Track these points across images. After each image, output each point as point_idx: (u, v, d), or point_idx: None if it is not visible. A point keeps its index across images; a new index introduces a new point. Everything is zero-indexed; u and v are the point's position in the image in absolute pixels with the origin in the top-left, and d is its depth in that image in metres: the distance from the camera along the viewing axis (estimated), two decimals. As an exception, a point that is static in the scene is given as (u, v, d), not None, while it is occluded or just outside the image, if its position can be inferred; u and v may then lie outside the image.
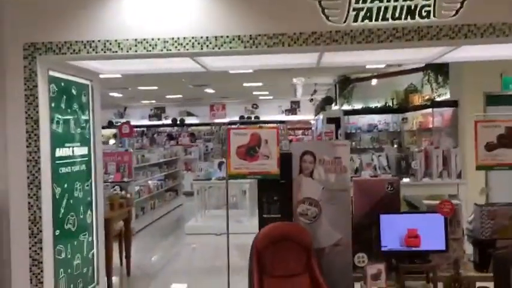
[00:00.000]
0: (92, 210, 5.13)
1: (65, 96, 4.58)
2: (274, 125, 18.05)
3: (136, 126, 18.83)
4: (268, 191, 5.37)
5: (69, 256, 4.59)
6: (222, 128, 19.84)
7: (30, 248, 4.09)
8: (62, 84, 4.55)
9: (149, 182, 10.44)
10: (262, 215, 6.55)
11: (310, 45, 3.87)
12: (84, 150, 5.02)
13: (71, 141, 4.72)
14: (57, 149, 4.44)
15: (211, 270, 6.85)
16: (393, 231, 3.82)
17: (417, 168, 5.82)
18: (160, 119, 19.57)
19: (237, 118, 19.34)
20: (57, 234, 4.37)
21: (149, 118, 19.66)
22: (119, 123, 10.82)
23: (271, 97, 18.22)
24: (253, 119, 19.25)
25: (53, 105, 4.35)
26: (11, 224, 4.05)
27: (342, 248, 4.05)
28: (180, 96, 16.60)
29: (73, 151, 4.75)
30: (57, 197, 4.39)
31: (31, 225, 4.09)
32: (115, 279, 6.09)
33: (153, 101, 18.57)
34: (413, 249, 3.76)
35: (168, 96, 16.45)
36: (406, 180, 5.77)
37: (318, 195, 4.12)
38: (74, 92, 4.79)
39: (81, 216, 4.89)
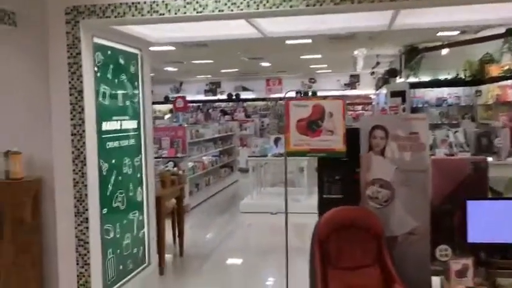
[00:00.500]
0: (142, 188, 4.85)
1: (111, 66, 4.26)
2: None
3: (192, 102, 18.72)
4: (329, 169, 4.94)
5: (118, 236, 4.34)
6: (278, 103, 19.35)
7: (76, 228, 3.84)
8: (109, 52, 4.23)
9: (204, 157, 10.19)
10: (322, 195, 6.08)
11: (385, 1, 3.29)
12: (133, 124, 4.71)
13: (119, 114, 4.42)
14: (104, 123, 4.14)
15: (266, 250, 6.50)
16: (482, 220, 3.23)
17: (501, 146, 5.12)
18: (215, 94, 19.35)
19: (293, 93, 18.75)
20: (104, 212, 4.11)
21: (205, 93, 19.49)
22: (174, 99, 10.61)
23: (329, 71, 17.47)
24: (310, 94, 18.59)
25: (98, 75, 4.04)
26: (56, 202, 3.81)
27: (417, 237, 3.52)
28: (236, 70, 16.22)
29: (121, 125, 4.45)
30: (104, 173, 4.12)
31: (76, 203, 3.83)
32: (168, 258, 5.86)
33: (209, 76, 18.33)
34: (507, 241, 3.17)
35: (223, 71, 16.13)
36: (489, 159, 5.09)
37: (391, 176, 3.59)
38: (121, 61, 4.46)
39: (131, 194, 4.62)
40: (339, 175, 6.27)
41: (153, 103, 19.53)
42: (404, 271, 3.39)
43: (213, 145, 10.52)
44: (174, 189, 5.57)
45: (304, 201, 8.44)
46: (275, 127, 9.86)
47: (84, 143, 3.82)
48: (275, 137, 8.88)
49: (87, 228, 3.84)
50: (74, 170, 3.84)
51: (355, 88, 18.41)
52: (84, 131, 3.81)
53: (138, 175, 4.80)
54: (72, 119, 3.81)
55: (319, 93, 18.58)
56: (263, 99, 19.22)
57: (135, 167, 4.72)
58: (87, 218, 3.84)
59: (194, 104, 18.67)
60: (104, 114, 4.13)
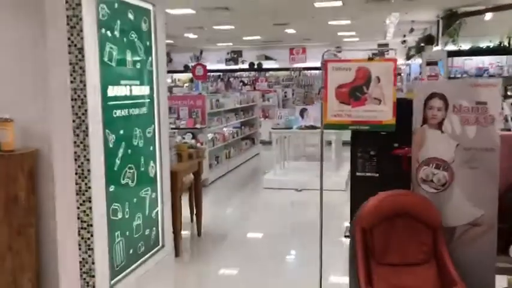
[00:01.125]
0: (155, 162, 4.33)
1: (119, 22, 3.68)
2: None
3: (212, 71, 18.09)
4: (363, 143, 4.36)
5: (127, 216, 3.84)
6: (302, 73, 18.58)
7: (78, 208, 3.35)
8: (116, 5, 3.64)
9: (224, 129, 9.63)
10: (355, 173, 5.52)
11: None
12: (145, 90, 4.16)
13: (128, 78, 3.87)
14: (110, 87, 3.59)
15: (292, 229, 5.98)
16: None
17: None
18: (237, 63, 18.65)
19: (317, 62, 17.93)
20: (111, 190, 3.60)
21: (225, 62, 18.80)
22: (193, 66, 10.01)
23: (357, 39, 16.57)
24: (335, 63, 17.73)
25: (103, 31, 3.46)
26: (54, 179, 3.30)
27: (481, 229, 2.92)
28: (259, 37, 15.45)
29: (131, 90, 3.90)
30: (110, 145, 3.59)
31: (78, 179, 3.33)
32: (184, 238, 5.39)
33: (230, 44, 17.60)
34: None
35: (245, 38, 15.37)
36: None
37: (450, 155, 2.97)
38: (131, 17, 3.88)
39: (142, 169, 4.10)
40: (374, 150, 5.63)
41: (172, 72, 18.94)
42: (462, 269, 2.81)
43: (234, 116, 9.94)
44: (191, 164, 5.03)
45: (331, 177, 7.85)
46: (301, 97, 9.18)
47: (86, 110, 3.29)
48: (301, 107, 8.25)
49: (90, 208, 3.34)
50: (75, 142, 3.32)
51: (383, 57, 17.46)
52: (85, 96, 3.27)
53: (151, 148, 4.27)
54: (72, 82, 3.27)
55: (345, 63, 17.72)
56: (286, 69, 18.46)
57: (147, 139, 4.19)
58: (90, 197, 3.33)
59: (214, 74, 18.04)
60: (110, 77, 3.58)
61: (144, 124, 4.13)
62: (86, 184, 3.32)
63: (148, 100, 4.22)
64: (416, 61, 13.21)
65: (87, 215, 3.34)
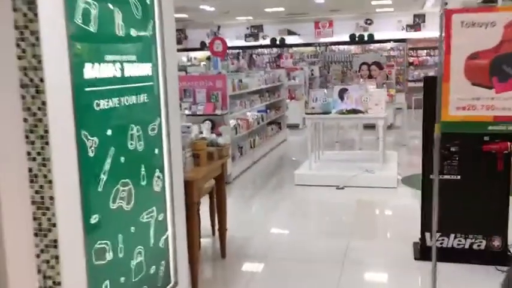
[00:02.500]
0: (162, 170, 3.10)
1: (100, -37, 2.40)
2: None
3: (231, 48, 16.75)
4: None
5: (121, 255, 2.63)
6: (329, 48, 17.10)
7: (37, 257, 2.14)
8: None
9: (248, 113, 8.36)
10: (429, 175, 4.31)
11: None
12: (144, 70, 2.91)
13: (117, 52, 2.61)
14: (88, 65, 2.34)
15: (346, 249, 4.73)
16: None
17: None
18: (257, 39, 17.27)
19: (346, 37, 16.45)
20: (93, 222, 2.38)
21: (245, 38, 17.43)
22: (211, 41, 8.68)
23: (391, 9, 14.99)
24: (366, 37, 16.22)
25: (71, -24, 2.19)
26: (1, 215, 2.09)
27: None
28: (281, 9, 14.02)
29: (122, 69, 2.65)
30: (90, 154, 2.35)
31: (37, 212, 2.11)
32: (204, 259, 4.20)
33: (250, 18, 16.20)
34: None
35: (267, 10, 13.96)
36: None
37: None
38: (120, -42, 2.59)
39: (143, 183, 2.87)
40: (456, 145, 4.36)
41: (188, 50, 17.59)
42: None
43: (258, 98, 8.64)
44: (212, 167, 3.79)
45: (378, 171, 6.55)
46: (338, 75, 7.81)
47: (44, 102, 2.04)
48: (340, 87, 6.90)
49: (56, 258, 2.12)
50: (29, 154, 2.09)
51: (419, 30, 15.87)
52: (42, 80, 2.02)
53: (156, 150, 3.03)
54: (20, 57, 2.02)
55: (377, 37, 16.20)
56: (311, 45, 17.02)
57: (150, 139, 2.95)
58: (55, 240, 2.11)
59: (233, 51, 16.69)
60: (87, 50, 2.32)
61: (144, 118, 2.88)
62: (48, 220, 2.10)
63: (151, 83, 2.96)
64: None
65: (52, 267, 2.13)
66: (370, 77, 7.47)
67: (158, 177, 3.05)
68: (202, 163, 3.71)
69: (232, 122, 7.35)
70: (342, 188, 6.39)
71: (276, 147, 9.70)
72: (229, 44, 17.05)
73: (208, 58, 12.82)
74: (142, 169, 2.87)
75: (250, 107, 8.08)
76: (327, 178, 6.57)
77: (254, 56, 13.20)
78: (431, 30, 15.62)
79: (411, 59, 15.91)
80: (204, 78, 6.83)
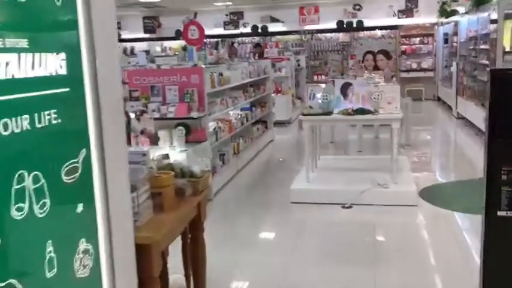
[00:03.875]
0: (93, 239, 1.81)
1: None
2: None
3: (209, 36, 15.35)
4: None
5: None
6: (315, 36, 15.85)
7: None
8: None
9: (230, 112, 7.08)
10: (495, 211, 2.99)
11: None
12: (52, 65, 1.58)
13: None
14: None
15: (348, 280, 3.52)
16: None
17: None
18: (237, 27, 15.91)
19: (333, 23, 15.21)
20: None
21: (224, 26, 16.05)
22: (185, 26, 7.29)
23: (382, -7, 13.80)
24: (354, 24, 15.01)
25: None
26: None
27: None
28: (264, -6, 12.70)
29: (6, 66, 1.32)
30: None
31: None
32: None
33: (229, 3, 14.83)
34: None
35: (248, -5, 12.63)
36: None
37: None
38: None
39: (51, 273, 1.58)
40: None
41: (162, 39, 16.12)
42: None
43: (242, 94, 7.35)
44: (184, 210, 2.50)
45: (393, 184, 5.35)
46: (337, 67, 6.56)
47: None
48: (343, 82, 5.66)
49: None
50: None
51: (411, 16, 14.72)
52: None
53: (79, 209, 1.74)
54: None
55: (366, 23, 15.00)
56: (296, 32, 15.74)
57: (65, 192, 1.65)
58: None
59: (212, 40, 15.30)
60: None
61: (51, 155, 1.59)
62: None
63: (64, 90, 1.66)
64: (466, 18, 10.51)
65: None
66: (375, 68, 6.28)
67: (85, 252, 1.76)
68: (167, 206, 2.42)
69: (211, 125, 6.06)
70: (349, 207, 5.17)
71: (263, 150, 8.43)
72: (207, 33, 15.70)
73: (185, 48, 11.43)
74: (50, 249, 1.58)
75: (233, 106, 6.79)
76: (329, 194, 5.34)
77: (235, 44, 11.91)
78: (425, 16, 14.48)
79: (403, 48, 14.78)
80: (176, 73, 5.50)
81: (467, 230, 4.53)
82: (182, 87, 5.40)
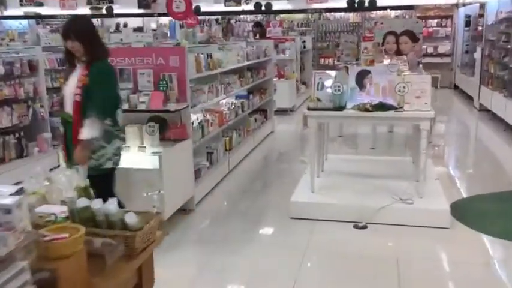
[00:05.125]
0: None
1: None
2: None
3: (207, 13, 14.17)
4: None
5: None
6: (323, 16, 14.62)
7: None
8: None
9: (223, 101, 5.99)
10: None
11: None
12: None
13: None
14: None
15: None
16: None
17: None
18: (239, 4, 14.69)
19: (343, 2, 13.97)
20: None
21: (225, 3, 14.83)
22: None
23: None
24: (366, 3, 13.76)
25: None
26: None
27: None
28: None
29: None
30: None
31: None
32: None
33: (230, -23, 13.61)
34: None
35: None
36: None
37: None
38: None
39: None
40: None
41: (159, 15, 14.88)
42: None
43: (237, 80, 6.25)
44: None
45: (417, 199, 4.28)
46: (350, 51, 5.40)
47: None
48: (359, 69, 4.57)
49: None
50: None
51: (430, -5, 13.46)
52: None
53: None
54: None
55: (379, 2, 13.75)
56: (303, 11, 14.52)
57: None
58: None
59: (212, 17, 14.10)
60: None
61: None
62: None
63: None
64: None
65: None
66: (398, 53, 5.17)
67: None
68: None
69: (196, 118, 4.99)
70: (364, 227, 4.12)
71: (261, 144, 7.36)
72: (206, 9, 14.50)
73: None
74: None
75: (225, 93, 5.70)
76: (338, 209, 4.29)
77: (233, 21, 10.72)
78: (444, -4, 13.24)
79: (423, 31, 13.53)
80: (151, 53, 4.39)
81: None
82: (158, 72, 4.31)
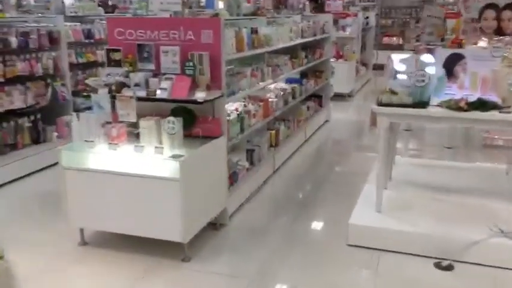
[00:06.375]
0: None
1: None
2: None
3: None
4: None
5: None
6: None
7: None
8: None
9: (270, 87, 5.00)
10: None
11: None
12: None
13: None
14: None
15: None
16: None
17: None
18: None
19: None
20: None
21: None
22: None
23: None
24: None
25: None
26: None
27: None
28: None
29: None
30: None
31: None
32: None
33: None
34: None
35: None
36: None
37: None
38: None
39: None
40: None
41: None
42: None
43: (288, 61, 5.21)
44: None
45: (525, 234, 3.15)
46: (437, 27, 4.29)
47: None
48: (450, 52, 3.44)
49: None
50: None
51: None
52: None
53: None
54: None
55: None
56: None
57: None
58: None
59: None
60: None
61: None
62: None
63: None
64: None
65: None
66: (499, 31, 3.97)
67: None
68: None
69: (235, 107, 4.04)
70: (449, 267, 3.06)
71: (313, 136, 6.33)
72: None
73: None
74: None
75: (272, 78, 4.69)
76: (413, 239, 3.23)
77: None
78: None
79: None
80: (178, 25, 3.44)
81: None
82: (186, 50, 3.36)
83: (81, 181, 3.18)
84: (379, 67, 12.33)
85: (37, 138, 5.02)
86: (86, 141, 3.18)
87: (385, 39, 12.66)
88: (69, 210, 3.25)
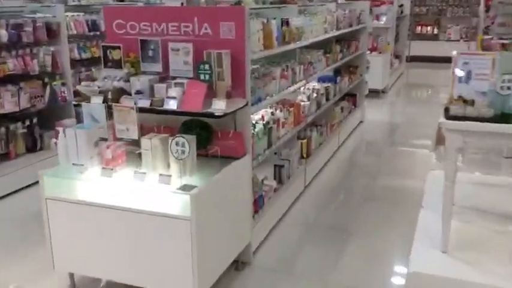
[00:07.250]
0: None
1: None
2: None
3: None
4: None
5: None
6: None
7: None
8: None
9: (303, 89, 4.26)
10: None
11: None
12: None
13: None
14: None
15: None
16: None
17: None
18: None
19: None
20: None
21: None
22: None
23: None
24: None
25: None
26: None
27: None
28: None
29: None
30: None
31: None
32: None
33: None
34: None
35: None
36: None
37: None
38: None
39: None
40: None
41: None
42: None
43: (322, 56, 4.46)
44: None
45: None
46: (506, 18, 3.50)
47: None
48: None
49: None
50: None
51: None
52: None
53: None
54: None
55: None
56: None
57: None
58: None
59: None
60: None
61: None
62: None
63: None
64: None
65: None
66: None
67: None
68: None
69: (261, 115, 3.33)
70: None
71: (347, 140, 5.58)
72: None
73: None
74: None
75: (304, 78, 3.95)
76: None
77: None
78: None
79: None
80: (191, 16, 2.73)
81: None
82: (201, 48, 2.65)
83: (67, 215, 2.52)
84: (412, 59, 11.45)
85: (33, 146, 4.40)
86: (74, 164, 2.52)
87: (419, 29, 11.76)
88: (54, 249, 2.60)
